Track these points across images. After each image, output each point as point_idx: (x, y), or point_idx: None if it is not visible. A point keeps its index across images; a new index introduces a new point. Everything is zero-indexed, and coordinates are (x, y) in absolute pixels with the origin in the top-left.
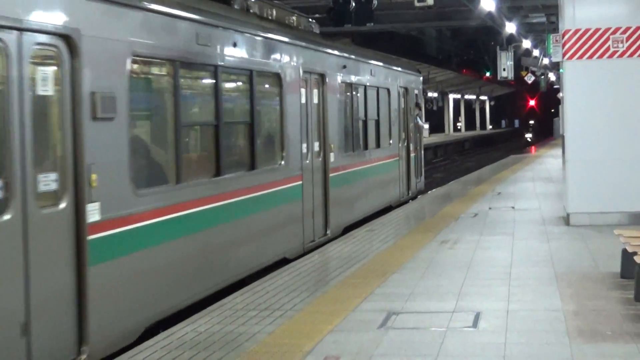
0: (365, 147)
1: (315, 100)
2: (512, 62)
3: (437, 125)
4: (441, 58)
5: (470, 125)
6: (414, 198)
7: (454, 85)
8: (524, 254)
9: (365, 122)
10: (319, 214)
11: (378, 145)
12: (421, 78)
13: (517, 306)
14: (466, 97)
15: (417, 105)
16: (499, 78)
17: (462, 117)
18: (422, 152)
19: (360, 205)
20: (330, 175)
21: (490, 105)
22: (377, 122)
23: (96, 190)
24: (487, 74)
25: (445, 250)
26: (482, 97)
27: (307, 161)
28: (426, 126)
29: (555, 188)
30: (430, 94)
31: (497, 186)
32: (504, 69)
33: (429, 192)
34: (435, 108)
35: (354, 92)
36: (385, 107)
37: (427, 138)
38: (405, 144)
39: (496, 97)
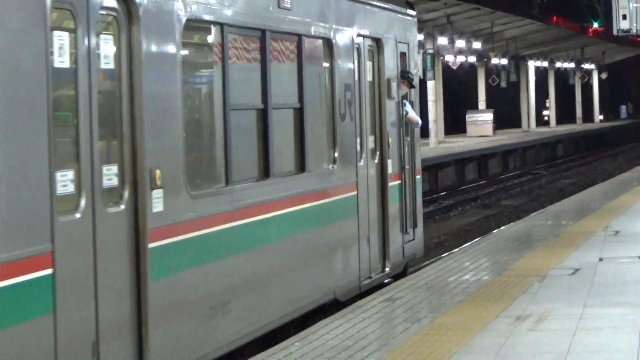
0: (265, 172)
1: (107, 64)
2: (638, 5)
3: (507, 115)
4: None
5: (566, 114)
6: (398, 275)
7: (536, 44)
8: None
9: (264, 115)
10: (122, 343)
11: (301, 166)
12: (414, 19)
13: None
14: (559, 65)
15: (406, 77)
16: (615, 32)
17: (550, 101)
18: (417, 175)
19: (243, 311)
20: (152, 245)
21: (600, 80)
22: (299, 115)
23: None
24: (595, 25)
25: (523, 333)
26: (587, 66)
27: (76, 216)
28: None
29: None
30: (495, 61)
31: (612, 221)
32: (624, 16)
33: (496, 231)
34: (503, 84)
35: (228, 46)
36: (322, 81)
37: (491, 138)
38: (377, 160)
39: (611, 66)
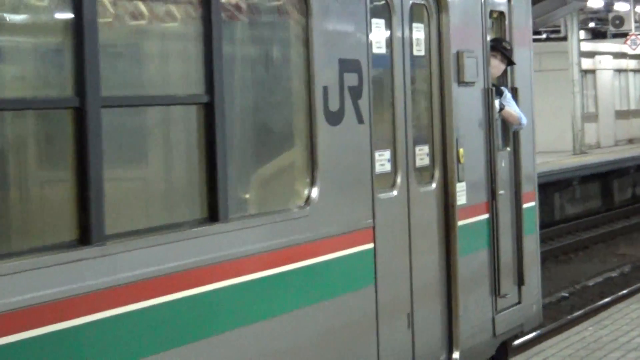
0: (82, 232)
1: None
2: None
3: None
4: None
5: None
6: None
7: None
8: None
9: (81, 118)
10: None
11: (211, 211)
12: None
13: None
14: None
15: (500, 49)
16: None
17: None
18: (527, 203)
19: None
20: None
21: None
22: (208, 116)
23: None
24: None
25: None
26: None
27: None
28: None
29: None
30: None
31: None
32: None
33: None
34: None
35: None
36: (277, 57)
37: None
38: (435, 184)
39: None
